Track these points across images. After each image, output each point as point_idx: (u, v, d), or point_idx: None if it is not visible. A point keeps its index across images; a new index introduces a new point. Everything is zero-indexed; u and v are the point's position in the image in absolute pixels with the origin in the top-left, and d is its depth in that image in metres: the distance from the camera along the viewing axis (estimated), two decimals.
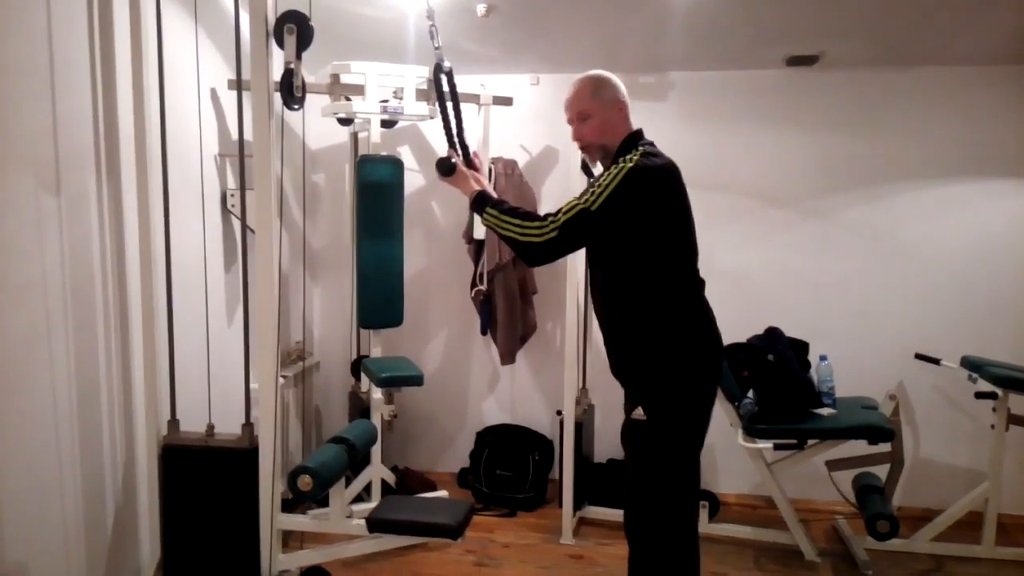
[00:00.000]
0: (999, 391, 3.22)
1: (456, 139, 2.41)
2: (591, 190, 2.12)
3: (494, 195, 2.30)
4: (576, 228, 2.11)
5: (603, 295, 2.28)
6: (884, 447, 3.23)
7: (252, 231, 2.56)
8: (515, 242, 2.18)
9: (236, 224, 3.17)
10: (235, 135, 2.69)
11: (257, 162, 2.42)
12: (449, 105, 2.43)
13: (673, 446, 2.20)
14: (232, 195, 3.13)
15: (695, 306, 2.22)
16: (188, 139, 2.86)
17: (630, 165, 2.09)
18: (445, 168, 2.34)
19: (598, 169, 2.36)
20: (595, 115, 2.24)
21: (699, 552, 2.29)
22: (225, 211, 3.16)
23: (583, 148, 2.32)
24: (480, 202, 2.26)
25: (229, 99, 3.13)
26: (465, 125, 2.56)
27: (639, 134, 2.25)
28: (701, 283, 2.26)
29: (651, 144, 2.23)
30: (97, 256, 2.41)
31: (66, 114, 2.27)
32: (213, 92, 3.11)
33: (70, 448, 2.31)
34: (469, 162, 2.39)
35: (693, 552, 2.27)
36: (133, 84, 2.47)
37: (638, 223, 2.11)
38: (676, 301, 2.18)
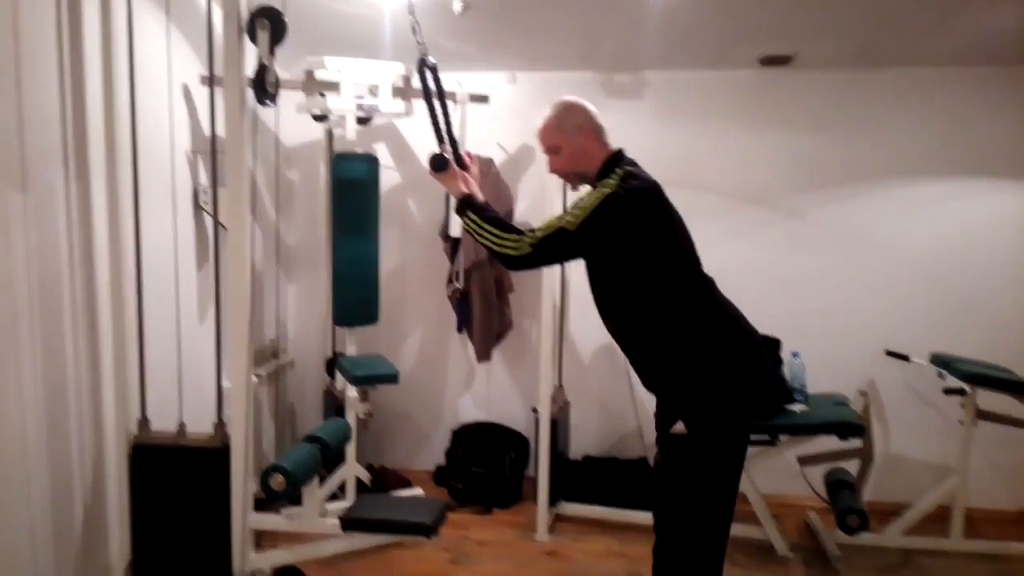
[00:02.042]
0: (967, 387, 3.28)
1: (446, 135, 2.40)
2: (573, 211, 2.12)
3: (480, 199, 2.29)
4: (552, 247, 2.13)
5: (612, 316, 2.27)
6: (855, 443, 3.28)
7: (224, 228, 2.54)
8: (491, 251, 2.20)
9: (209, 221, 3.14)
10: (208, 131, 2.66)
11: (229, 158, 2.40)
12: (436, 102, 2.41)
13: (716, 459, 2.17)
14: (204, 192, 3.10)
15: (712, 309, 2.19)
16: (160, 135, 2.83)
17: (608, 191, 2.09)
18: (438, 164, 2.33)
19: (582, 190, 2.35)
20: (564, 146, 2.24)
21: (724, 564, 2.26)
22: (197, 208, 3.13)
23: (562, 177, 2.33)
24: (465, 205, 2.27)
25: (202, 95, 3.10)
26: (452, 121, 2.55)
27: (619, 156, 2.23)
28: (710, 283, 2.23)
29: (632, 164, 2.22)
30: (65, 253, 2.37)
31: (33, 109, 2.23)
32: (185, 88, 3.07)
33: (37, 447, 2.27)
34: (460, 160, 2.38)
35: (718, 564, 2.24)
36: (103, 79, 2.44)
37: (620, 246, 2.12)
38: (690, 309, 2.15)
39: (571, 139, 2.23)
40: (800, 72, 3.75)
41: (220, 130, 2.44)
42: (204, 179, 3.15)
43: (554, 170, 2.30)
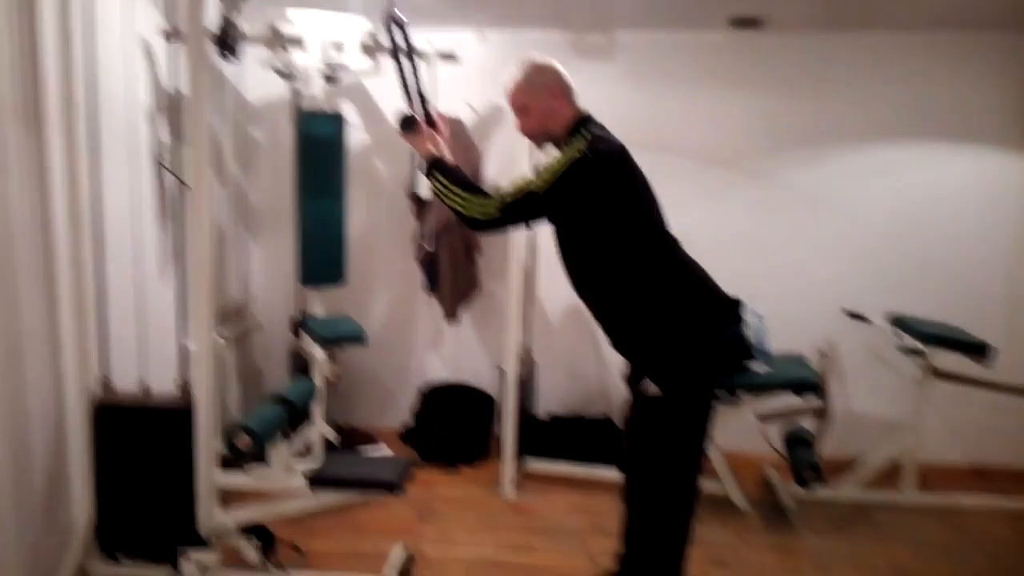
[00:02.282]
0: (923, 347, 3.37)
1: (415, 95, 2.37)
2: (540, 174, 2.12)
3: (449, 161, 2.28)
4: (519, 210, 2.14)
5: (579, 279, 2.28)
6: (813, 400, 3.36)
7: (187, 186, 2.50)
8: (458, 213, 2.20)
9: (170, 179, 3.09)
10: (169, 87, 2.60)
11: (191, 115, 2.35)
12: (405, 59, 2.37)
13: (686, 419, 2.22)
14: (166, 149, 3.04)
15: (678, 270, 2.21)
16: (119, 90, 2.75)
17: (575, 155, 2.10)
18: (406, 124, 2.31)
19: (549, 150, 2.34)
20: (532, 106, 2.23)
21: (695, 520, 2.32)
22: (159, 166, 3.07)
23: (529, 138, 2.32)
24: (433, 166, 2.25)
25: (163, 49, 3.01)
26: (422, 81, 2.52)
27: (586, 118, 2.23)
28: (676, 245, 2.24)
29: (600, 127, 2.22)
30: (20, 210, 2.32)
31: None
32: (145, 41, 2.99)
33: None
34: (429, 119, 2.35)
35: (690, 521, 2.30)
36: (59, 30, 2.36)
37: (586, 209, 2.13)
38: (656, 271, 2.18)
39: (540, 99, 2.22)
40: (770, 35, 3.75)
41: (182, 86, 2.39)
42: (165, 136, 3.09)
43: (522, 130, 2.30)
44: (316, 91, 3.48)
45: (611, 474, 3.37)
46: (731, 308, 2.28)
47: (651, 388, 2.21)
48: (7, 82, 2.26)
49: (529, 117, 2.25)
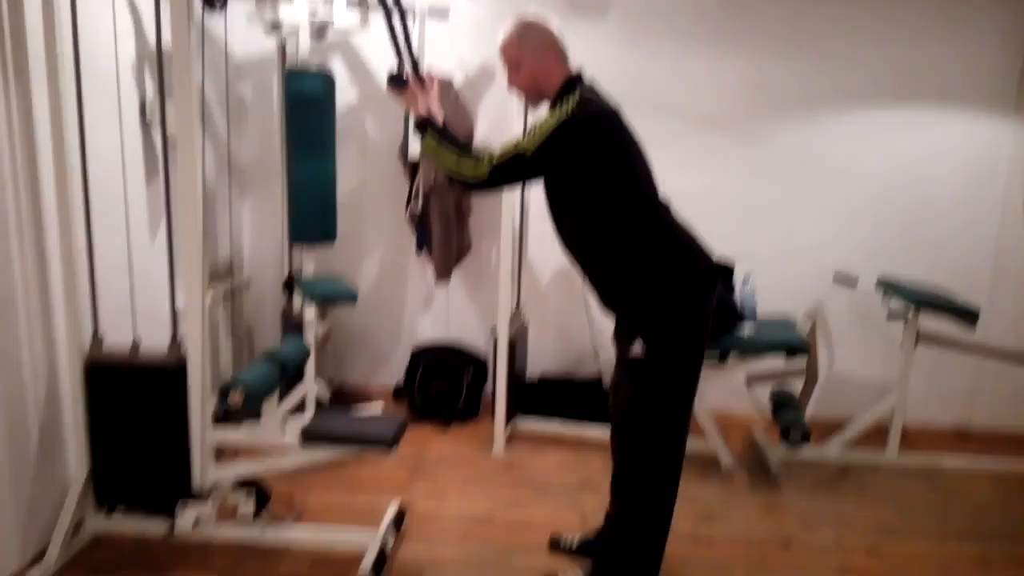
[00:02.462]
0: (910, 310, 3.40)
1: (405, 52, 2.33)
2: (530, 135, 2.12)
3: (440, 120, 2.27)
4: (509, 171, 2.14)
5: (569, 239, 2.30)
6: (800, 362, 3.40)
7: (174, 142, 2.46)
8: (449, 174, 2.21)
9: (157, 134, 3.05)
10: (153, 39, 2.55)
11: (176, 70, 2.31)
12: (395, 15, 2.33)
13: (673, 377, 2.25)
14: (151, 104, 2.99)
15: (665, 232, 2.22)
16: (103, 44, 2.70)
17: (564, 116, 2.09)
18: (397, 82, 2.29)
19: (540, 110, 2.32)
20: (524, 62, 2.21)
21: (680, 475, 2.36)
22: (144, 121, 3.02)
23: (520, 95, 2.31)
24: (424, 125, 2.24)
25: (148, 1, 2.95)
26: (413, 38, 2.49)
27: (577, 78, 2.22)
28: (665, 209, 2.26)
29: (590, 88, 2.21)
30: (7, 165, 2.29)
31: None
32: None
33: None
34: (419, 77, 2.33)
35: (676, 478, 2.34)
36: None
37: (575, 170, 2.13)
38: (644, 233, 2.19)
39: (532, 56, 2.21)
40: None
41: (166, 40, 2.34)
42: (151, 91, 3.04)
43: (513, 86, 2.28)
44: (304, 47, 3.42)
45: (601, 433, 3.41)
46: (716, 271, 2.29)
47: (637, 348, 2.24)
48: None
49: (520, 74, 2.23)
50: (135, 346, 2.55)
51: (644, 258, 2.20)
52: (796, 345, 3.27)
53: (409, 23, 2.40)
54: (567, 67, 2.24)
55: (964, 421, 4.00)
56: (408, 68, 2.32)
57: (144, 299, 2.78)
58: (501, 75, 2.30)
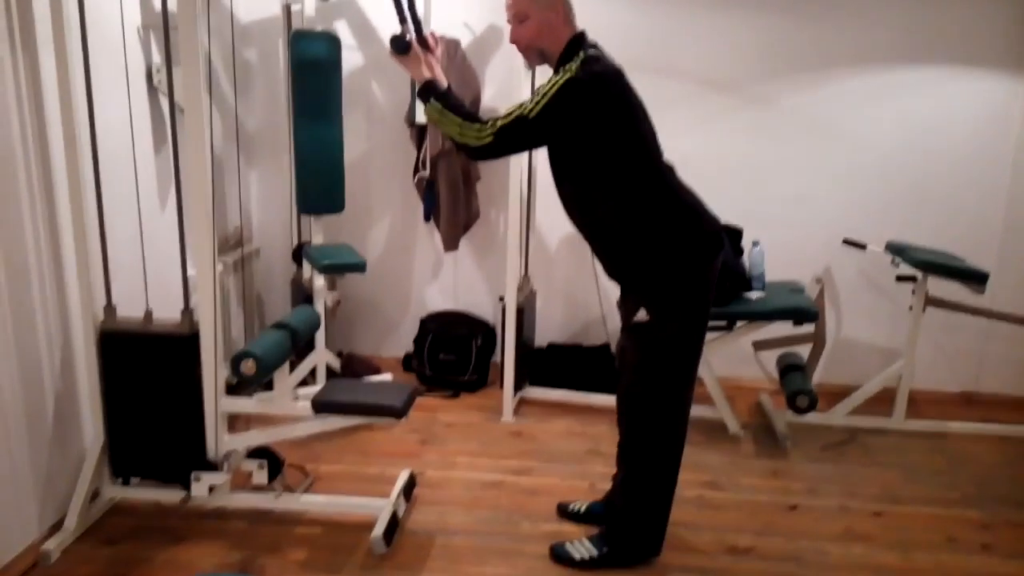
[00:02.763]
0: (919, 274, 3.39)
1: (408, 14, 2.29)
2: (533, 98, 2.10)
3: (443, 84, 2.24)
4: (513, 135, 2.12)
5: (573, 204, 2.29)
6: (807, 328, 3.40)
7: (181, 109, 2.45)
8: (453, 140, 2.20)
9: (164, 102, 3.02)
10: (158, 5, 2.52)
11: (183, 35, 2.28)
12: None
13: (677, 342, 2.26)
14: (158, 71, 2.97)
15: (670, 196, 2.21)
16: (109, 9, 2.67)
17: (568, 76, 2.07)
18: (399, 46, 2.25)
19: (542, 75, 2.29)
20: (532, 16, 2.17)
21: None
22: (151, 88, 3.00)
23: (521, 52, 2.26)
24: (427, 91, 2.21)
25: None
26: None
27: (581, 37, 2.18)
28: (669, 171, 2.25)
29: (595, 47, 2.18)
30: (17, 132, 2.28)
31: None
32: None
33: (3, 334, 2.26)
34: (423, 41, 2.29)
35: (681, 443, 2.37)
36: None
37: (579, 132, 2.11)
38: (646, 198, 2.18)
39: (541, 11, 2.17)
40: None
41: (172, 3, 2.31)
42: (157, 58, 3.01)
43: (516, 40, 2.23)
44: (308, 9, 3.37)
45: (608, 401, 3.43)
46: (720, 235, 2.28)
47: (641, 313, 2.24)
48: None
49: (525, 27, 2.19)
50: (148, 315, 2.56)
51: (648, 222, 2.19)
52: (804, 311, 3.27)
53: None
54: (573, 27, 2.21)
55: (971, 386, 4.01)
56: (411, 31, 2.28)
57: (155, 269, 2.79)
58: (508, 38, 2.26)
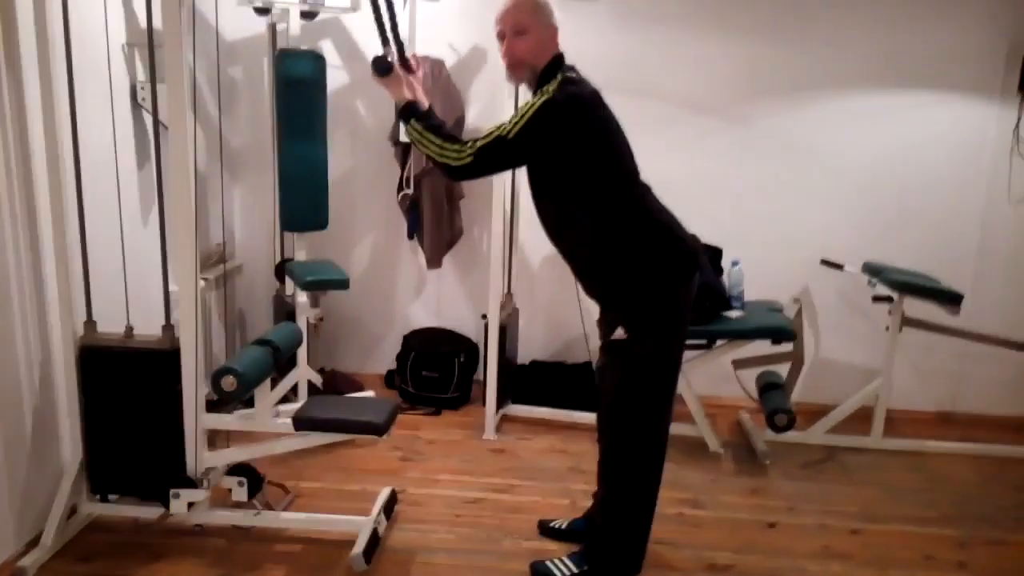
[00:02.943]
0: (895, 295, 3.45)
1: (391, 36, 2.32)
2: (512, 118, 2.13)
3: (424, 105, 2.26)
4: (492, 155, 2.15)
5: (551, 223, 2.32)
6: (786, 347, 3.44)
7: (165, 127, 2.46)
8: (433, 160, 2.21)
9: (148, 119, 3.03)
10: (143, 22, 2.53)
11: (168, 52, 2.30)
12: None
13: (655, 360, 2.28)
14: (142, 88, 2.98)
15: (645, 216, 2.25)
16: (93, 26, 2.68)
17: (545, 98, 2.10)
18: (381, 68, 2.27)
19: (524, 95, 2.33)
20: (532, 32, 2.20)
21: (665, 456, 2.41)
22: (135, 105, 3.01)
23: (511, 66, 2.26)
24: (408, 112, 2.24)
25: None
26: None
27: (560, 58, 2.23)
28: (646, 191, 2.28)
29: (572, 69, 2.22)
30: None
31: None
32: None
33: None
34: (405, 62, 2.31)
35: (660, 460, 2.39)
36: None
37: (557, 153, 2.14)
38: (621, 217, 2.21)
39: (541, 29, 2.21)
40: None
41: (157, 21, 2.33)
42: (142, 74, 3.02)
43: (509, 53, 2.24)
44: (294, 28, 3.40)
45: (590, 418, 3.44)
46: (696, 254, 2.32)
47: (618, 331, 2.27)
48: None
49: (523, 40, 2.20)
50: (128, 331, 2.55)
51: (623, 241, 2.22)
52: (782, 330, 3.31)
53: (397, 6, 2.38)
54: (558, 47, 2.25)
55: (948, 406, 4.06)
56: (393, 53, 2.31)
57: (137, 284, 2.78)
58: (493, 58, 2.29)
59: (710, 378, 3.81)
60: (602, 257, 2.25)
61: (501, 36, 2.25)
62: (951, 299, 3.37)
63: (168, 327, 2.53)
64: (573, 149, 2.13)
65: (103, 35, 2.70)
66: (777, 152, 3.89)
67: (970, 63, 3.72)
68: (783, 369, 3.67)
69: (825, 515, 2.98)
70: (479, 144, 2.14)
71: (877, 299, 3.52)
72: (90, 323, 2.54)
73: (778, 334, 3.31)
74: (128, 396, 2.51)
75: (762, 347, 3.46)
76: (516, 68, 2.26)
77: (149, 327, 2.57)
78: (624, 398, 2.32)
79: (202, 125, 3.62)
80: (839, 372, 4.02)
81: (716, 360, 3.49)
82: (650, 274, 2.24)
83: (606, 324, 2.36)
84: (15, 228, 2.37)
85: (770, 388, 3.54)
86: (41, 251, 2.48)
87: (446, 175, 2.25)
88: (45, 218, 2.45)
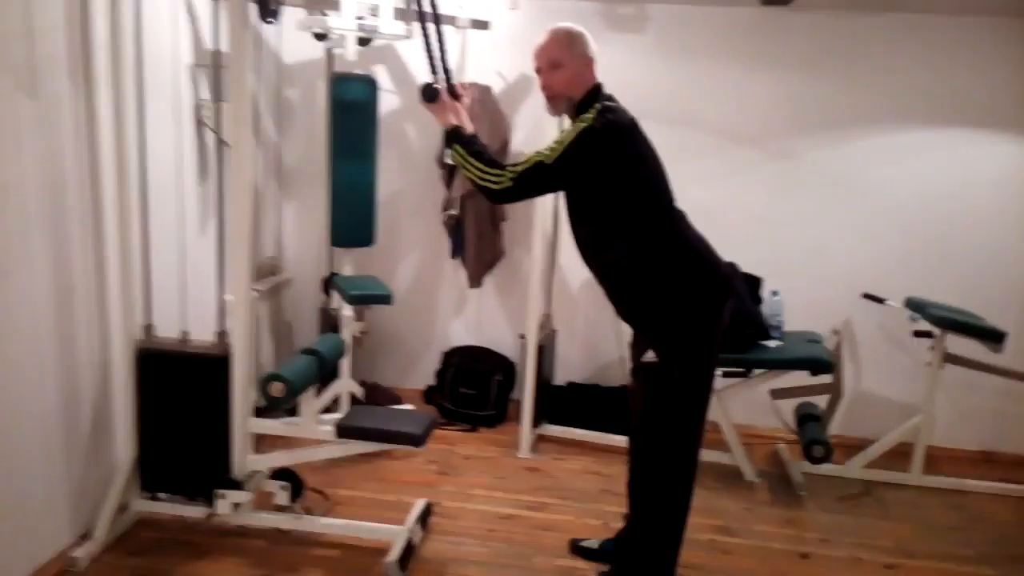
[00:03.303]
0: (937, 331, 3.42)
1: (439, 64, 2.42)
2: (551, 145, 2.21)
3: (469, 131, 2.35)
4: (530, 181, 2.23)
5: (586, 248, 2.38)
6: (825, 378, 3.43)
7: (226, 144, 2.59)
8: (475, 184, 2.30)
9: (210, 136, 3.18)
10: (210, 46, 2.68)
11: (233, 74, 2.43)
12: (432, 27, 2.42)
13: (686, 385, 2.32)
14: (206, 107, 3.13)
15: (676, 242, 2.30)
16: (163, 48, 2.84)
17: (584, 126, 2.17)
18: (429, 95, 2.38)
19: (564, 122, 2.40)
20: (567, 66, 2.28)
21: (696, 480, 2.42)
22: (199, 122, 3.16)
23: (550, 99, 2.34)
24: (452, 137, 2.33)
25: (205, 8, 3.09)
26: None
27: (599, 88, 2.30)
28: (680, 217, 2.33)
29: (610, 98, 2.29)
30: (71, 162, 2.43)
31: (41, 18, 2.26)
32: (189, 2, 3.07)
33: (47, 349, 2.38)
34: (452, 90, 2.41)
35: (691, 485, 2.41)
36: None
37: (593, 179, 2.21)
38: (655, 243, 2.26)
39: (575, 61, 2.29)
40: (799, 13, 3.75)
41: (223, 45, 2.47)
42: (206, 94, 3.18)
43: (547, 86, 2.32)
44: (350, 53, 3.54)
45: (624, 441, 3.46)
46: (730, 281, 2.36)
47: (649, 354, 2.31)
48: (61, 40, 2.36)
49: (559, 73, 2.28)
50: (183, 336, 2.68)
51: (658, 265, 2.27)
52: (821, 362, 3.30)
53: (447, 34, 2.48)
54: (595, 77, 2.32)
55: (990, 445, 3.98)
56: (442, 80, 2.41)
57: (194, 292, 2.92)
58: (537, 85, 2.37)
59: (748, 407, 3.81)
60: (635, 281, 2.30)
61: (539, 71, 2.34)
62: (994, 337, 3.33)
63: (221, 334, 2.64)
64: (610, 175, 2.20)
65: (171, 56, 2.85)
66: (819, 186, 3.90)
67: (1014, 103, 3.70)
68: (822, 401, 3.65)
69: (859, 548, 2.95)
70: (519, 169, 2.22)
71: (918, 334, 3.49)
72: (148, 327, 2.66)
73: (816, 365, 3.31)
74: (181, 399, 2.63)
75: (800, 378, 3.45)
76: (554, 100, 2.34)
77: (203, 334, 2.69)
78: (654, 421, 2.36)
79: (260, 143, 3.78)
80: (878, 406, 3.97)
81: (753, 389, 3.50)
82: (682, 299, 2.28)
83: (637, 347, 2.40)
84: (83, 236, 2.51)
85: (808, 419, 3.52)
86: (105, 258, 2.62)
87: (487, 198, 2.33)
88: (111, 227, 2.59)
